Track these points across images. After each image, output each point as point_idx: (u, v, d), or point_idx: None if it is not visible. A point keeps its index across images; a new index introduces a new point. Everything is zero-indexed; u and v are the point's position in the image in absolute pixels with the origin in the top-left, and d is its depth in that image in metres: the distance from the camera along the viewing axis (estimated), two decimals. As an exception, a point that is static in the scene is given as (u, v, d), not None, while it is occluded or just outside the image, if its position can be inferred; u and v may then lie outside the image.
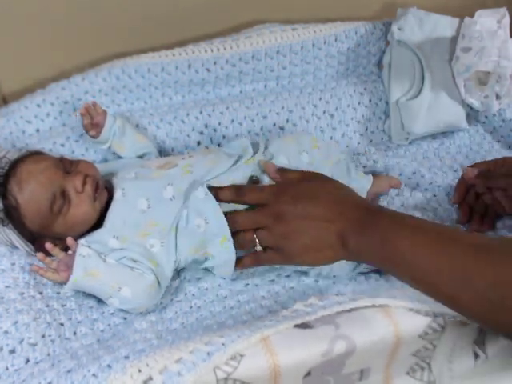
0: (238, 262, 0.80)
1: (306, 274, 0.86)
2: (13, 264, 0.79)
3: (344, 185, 0.80)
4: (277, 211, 0.77)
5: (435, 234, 0.67)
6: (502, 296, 0.58)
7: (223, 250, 0.81)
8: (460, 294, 0.61)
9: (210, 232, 0.81)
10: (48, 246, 0.79)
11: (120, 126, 0.92)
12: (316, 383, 0.66)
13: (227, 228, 0.79)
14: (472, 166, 0.95)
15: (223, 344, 0.61)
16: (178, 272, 0.85)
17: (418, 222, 0.72)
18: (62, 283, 0.78)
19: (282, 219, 0.76)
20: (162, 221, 0.81)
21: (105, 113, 0.92)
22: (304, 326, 0.64)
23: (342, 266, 0.83)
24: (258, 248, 0.78)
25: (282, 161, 0.88)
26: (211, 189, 0.81)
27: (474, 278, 0.60)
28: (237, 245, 0.79)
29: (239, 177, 0.84)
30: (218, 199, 0.80)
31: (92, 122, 0.92)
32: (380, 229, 0.70)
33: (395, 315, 0.64)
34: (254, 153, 0.87)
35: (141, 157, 0.95)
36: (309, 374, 0.63)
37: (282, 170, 0.83)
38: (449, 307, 0.64)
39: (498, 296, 0.59)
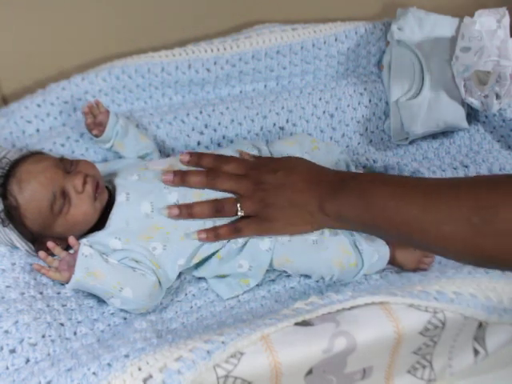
0: (211, 231, 0.79)
1: (307, 275, 0.86)
2: (13, 264, 0.79)
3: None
4: (257, 179, 0.78)
5: (416, 182, 0.70)
6: (484, 220, 0.60)
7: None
8: (445, 226, 0.62)
9: None
10: (50, 244, 0.79)
11: (123, 126, 0.92)
12: (319, 382, 0.66)
13: None
14: None
15: (223, 342, 0.61)
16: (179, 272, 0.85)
17: (396, 176, 0.76)
18: (64, 282, 0.78)
19: (263, 186, 0.77)
20: (166, 225, 0.80)
21: (107, 112, 0.92)
22: (304, 323, 0.64)
23: (344, 273, 0.84)
24: (240, 213, 0.78)
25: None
26: (191, 154, 0.83)
27: (458, 206, 0.62)
28: (217, 211, 0.79)
29: None
30: (198, 164, 0.82)
31: (95, 121, 0.92)
32: (357, 186, 0.72)
33: (395, 312, 0.64)
34: None
35: (142, 157, 0.94)
36: (310, 372, 0.63)
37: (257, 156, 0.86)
38: (432, 245, 0.65)
39: (481, 219, 0.60)
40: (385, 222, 0.69)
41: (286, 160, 0.81)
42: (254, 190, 0.78)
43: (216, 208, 0.79)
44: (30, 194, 0.78)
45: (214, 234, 0.79)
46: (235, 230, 0.79)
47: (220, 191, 0.80)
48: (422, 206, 0.65)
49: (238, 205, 0.78)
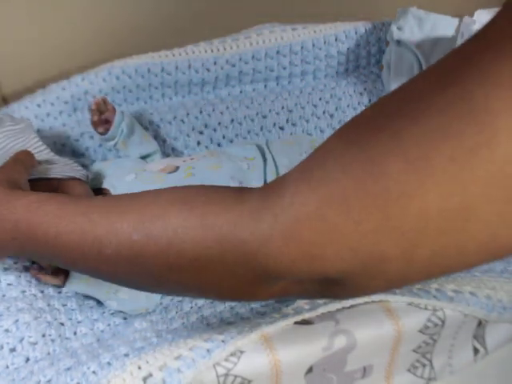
0: None
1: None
2: (15, 262, 0.79)
3: None
4: None
5: (80, 201, 0.56)
6: (146, 235, 0.49)
7: None
8: (106, 248, 0.51)
9: None
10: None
11: (128, 124, 0.92)
12: (319, 381, 0.66)
13: None
14: None
15: (223, 341, 0.61)
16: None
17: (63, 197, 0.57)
18: (61, 286, 0.78)
19: None
20: None
21: (114, 110, 0.91)
22: (304, 322, 0.64)
23: None
24: None
25: (283, 161, 0.88)
26: None
27: (120, 221, 0.51)
28: None
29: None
30: None
31: (101, 119, 0.91)
32: (14, 211, 0.57)
33: (395, 310, 0.64)
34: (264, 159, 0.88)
35: (145, 157, 0.94)
36: (310, 370, 0.63)
37: None
38: (100, 270, 0.54)
39: (143, 235, 0.49)
40: (53, 256, 0.56)
41: None
42: None
43: None
44: None
45: None
46: None
47: None
48: (81, 227, 0.52)
49: None
